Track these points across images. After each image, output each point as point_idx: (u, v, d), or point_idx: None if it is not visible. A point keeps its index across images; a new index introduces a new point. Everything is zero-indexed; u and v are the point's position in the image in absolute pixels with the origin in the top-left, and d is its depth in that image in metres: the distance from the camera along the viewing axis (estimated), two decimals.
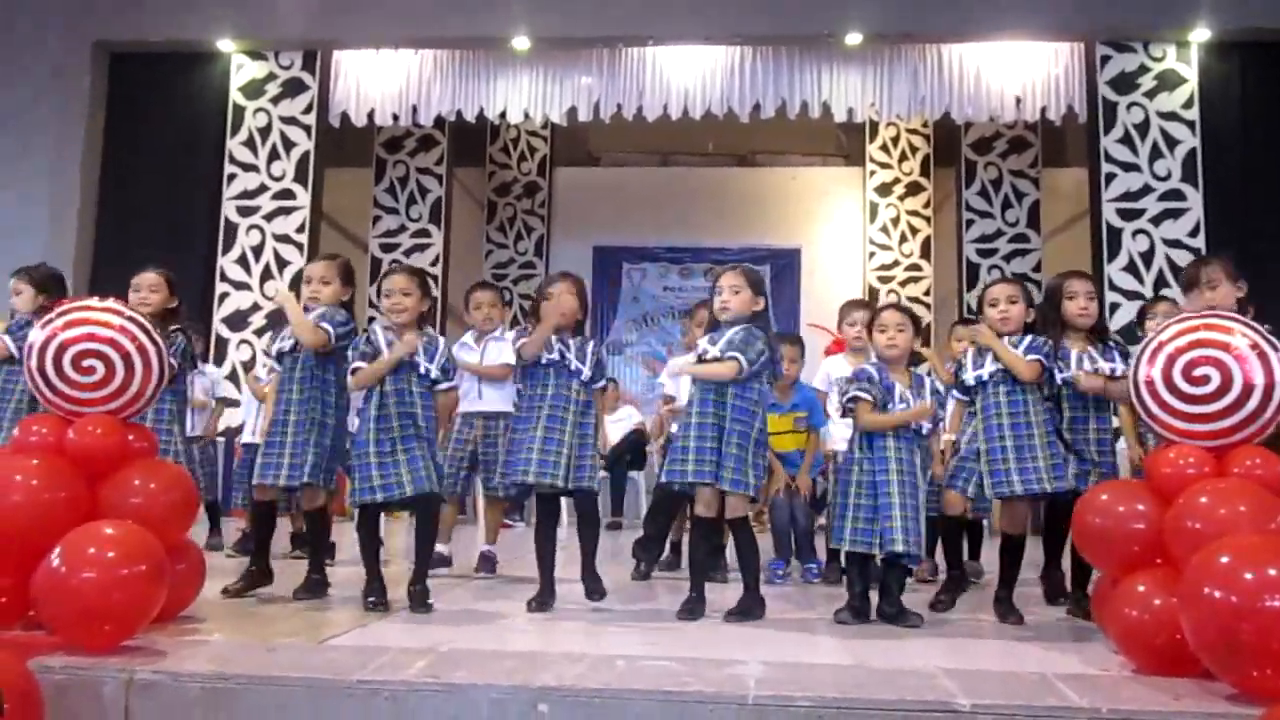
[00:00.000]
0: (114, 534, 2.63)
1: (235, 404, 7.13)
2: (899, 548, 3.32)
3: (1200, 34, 7.54)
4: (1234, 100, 7.59)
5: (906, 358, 3.58)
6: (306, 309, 3.77)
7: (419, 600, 3.44)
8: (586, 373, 3.60)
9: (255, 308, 7.99)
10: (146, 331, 2.98)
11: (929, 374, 3.79)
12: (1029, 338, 3.60)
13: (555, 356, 3.57)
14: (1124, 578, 2.71)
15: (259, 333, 7.76)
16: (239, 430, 7.45)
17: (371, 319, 9.84)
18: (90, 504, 2.82)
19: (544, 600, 3.56)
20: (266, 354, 3.85)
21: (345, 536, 5.10)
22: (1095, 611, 2.99)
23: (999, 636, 3.26)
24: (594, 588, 3.58)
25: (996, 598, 3.56)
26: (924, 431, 3.49)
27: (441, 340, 3.68)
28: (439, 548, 4.55)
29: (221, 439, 6.87)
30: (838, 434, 4.50)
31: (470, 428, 4.58)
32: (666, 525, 4.79)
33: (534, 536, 3.68)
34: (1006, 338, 3.59)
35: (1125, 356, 3.63)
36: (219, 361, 7.83)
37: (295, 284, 7.49)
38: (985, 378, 3.58)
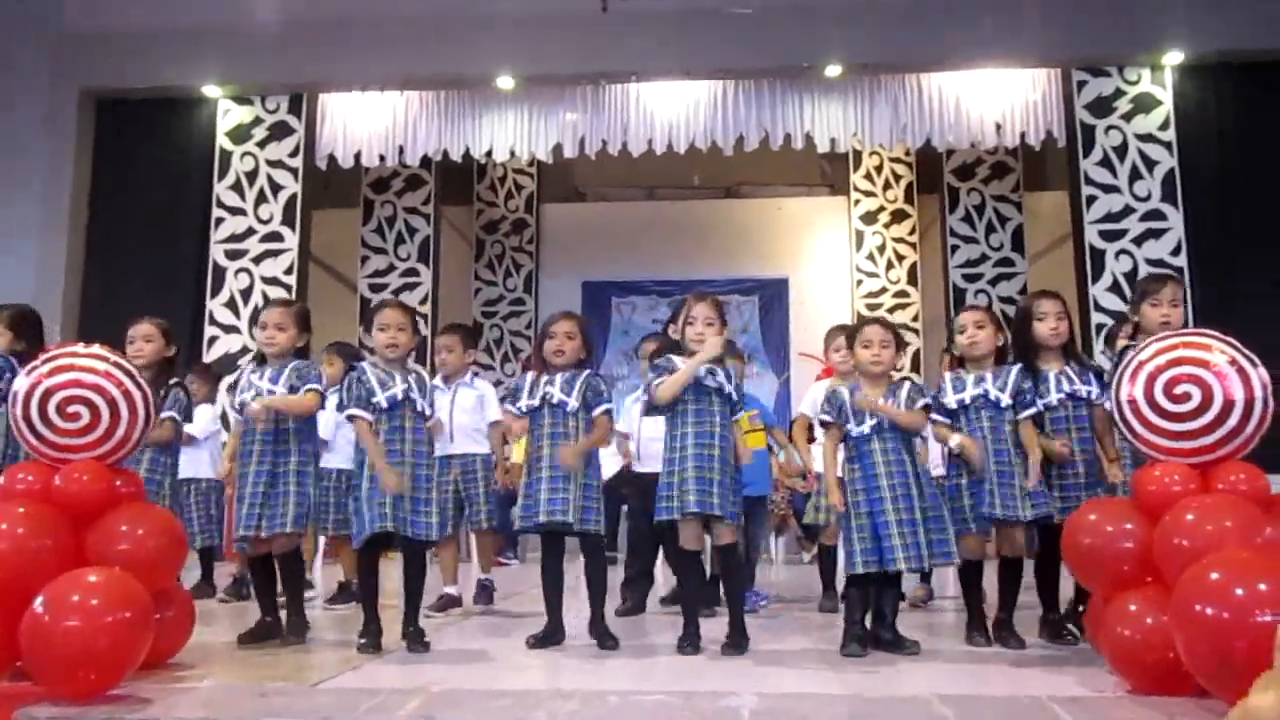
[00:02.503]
0: (97, 581, 2.61)
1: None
2: (899, 566, 3.31)
3: (1173, 57, 7.66)
4: (1209, 120, 7.70)
5: (889, 374, 3.58)
6: (263, 357, 3.77)
7: (415, 640, 3.44)
8: (572, 403, 3.57)
9: (244, 350, 7.98)
10: (132, 376, 2.98)
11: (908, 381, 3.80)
12: (1015, 370, 3.60)
13: (535, 402, 3.60)
14: (1115, 597, 2.71)
15: (232, 384, 7.75)
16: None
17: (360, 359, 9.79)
18: (78, 550, 2.81)
19: (548, 637, 3.56)
20: (233, 408, 3.82)
21: (329, 581, 5.09)
22: (1088, 631, 2.99)
23: (995, 661, 3.25)
24: (603, 640, 3.52)
25: (996, 621, 3.55)
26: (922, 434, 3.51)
27: (426, 375, 3.73)
28: (448, 589, 4.63)
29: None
30: (817, 453, 4.51)
31: (447, 469, 4.63)
32: (651, 560, 4.84)
33: (541, 575, 3.67)
34: (987, 366, 3.63)
35: (1099, 377, 3.64)
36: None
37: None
38: (966, 401, 3.60)
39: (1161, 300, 3.54)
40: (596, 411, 3.62)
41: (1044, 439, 3.59)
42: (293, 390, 3.64)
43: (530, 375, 3.70)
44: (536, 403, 3.61)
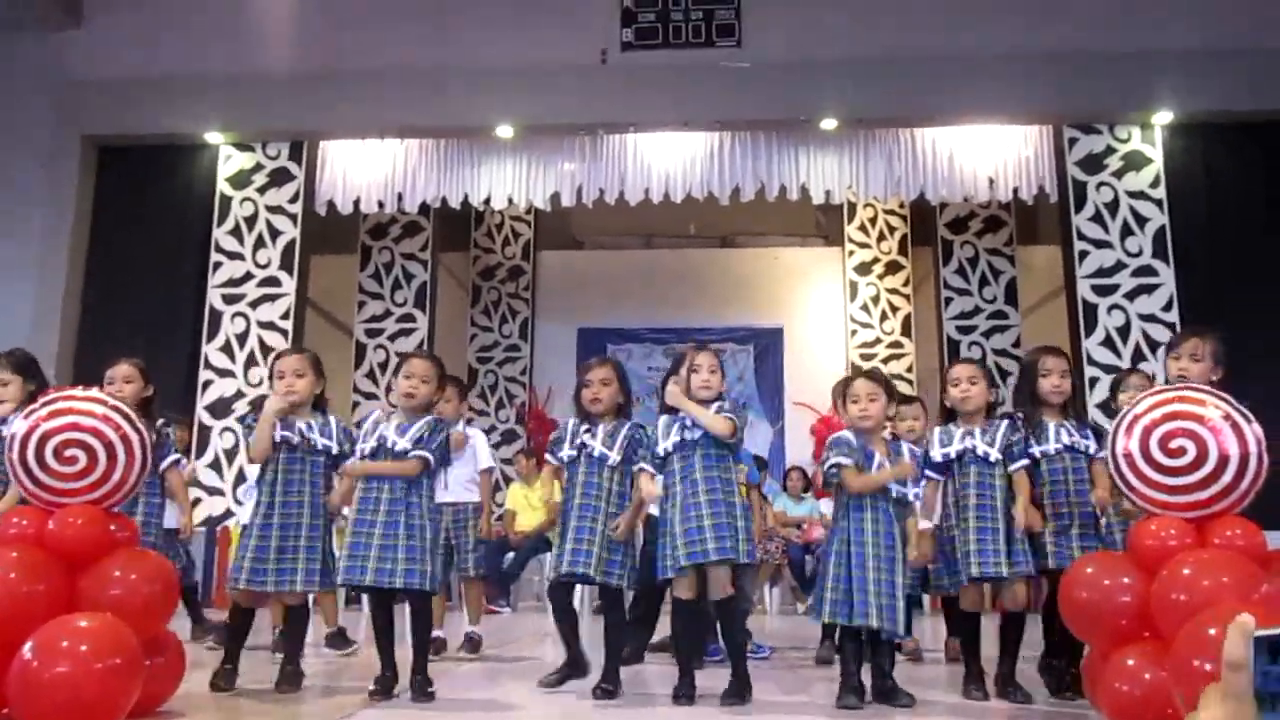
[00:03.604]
0: (87, 627, 2.59)
1: (220, 492, 7.09)
2: (873, 623, 3.27)
3: (1163, 116, 7.79)
4: (1198, 178, 7.82)
5: (880, 428, 3.56)
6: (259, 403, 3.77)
7: (419, 690, 3.40)
8: (614, 457, 3.55)
9: (239, 395, 7.97)
10: (130, 420, 2.98)
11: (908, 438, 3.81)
12: (1004, 425, 3.62)
13: (574, 453, 3.60)
14: (1113, 652, 2.70)
15: (242, 420, 7.73)
16: (221, 519, 7.38)
17: (356, 404, 9.83)
18: (70, 595, 2.78)
19: (567, 674, 3.56)
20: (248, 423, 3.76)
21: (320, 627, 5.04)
22: (1086, 686, 2.97)
23: (991, 715, 3.22)
24: (604, 686, 3.48)
25: (998, 675, 3.52)
26: (907, 499, 3.44)
27: (425, 420, 3.61)
28: (436, 633, 4.60)
29: (202, 528, 6.81)
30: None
31: (439, 515, 4.63)
32: (656, 607, 4.80)
33: (554, 618, 3.70)
34: (978, 420, 3.63)
35: (1099, 436, 3.65)
36: (202, 449, 7.79)
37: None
38: (953, 455, 3.61)
39: (1181, 354, 3.52)
40: (635, 468, 3.58)
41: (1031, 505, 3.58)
42: (342, 447, 3.64)
43: (571, 423, 3.67)
44: (574, 453, 3.60)
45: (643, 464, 3.55)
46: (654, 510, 3.78)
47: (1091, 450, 3.61)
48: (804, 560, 7.56)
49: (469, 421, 5.08)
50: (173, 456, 4.14)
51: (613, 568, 3.50)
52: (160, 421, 4.13)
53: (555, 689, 3.55)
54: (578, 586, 3.70)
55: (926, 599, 5.77)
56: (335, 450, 3.64)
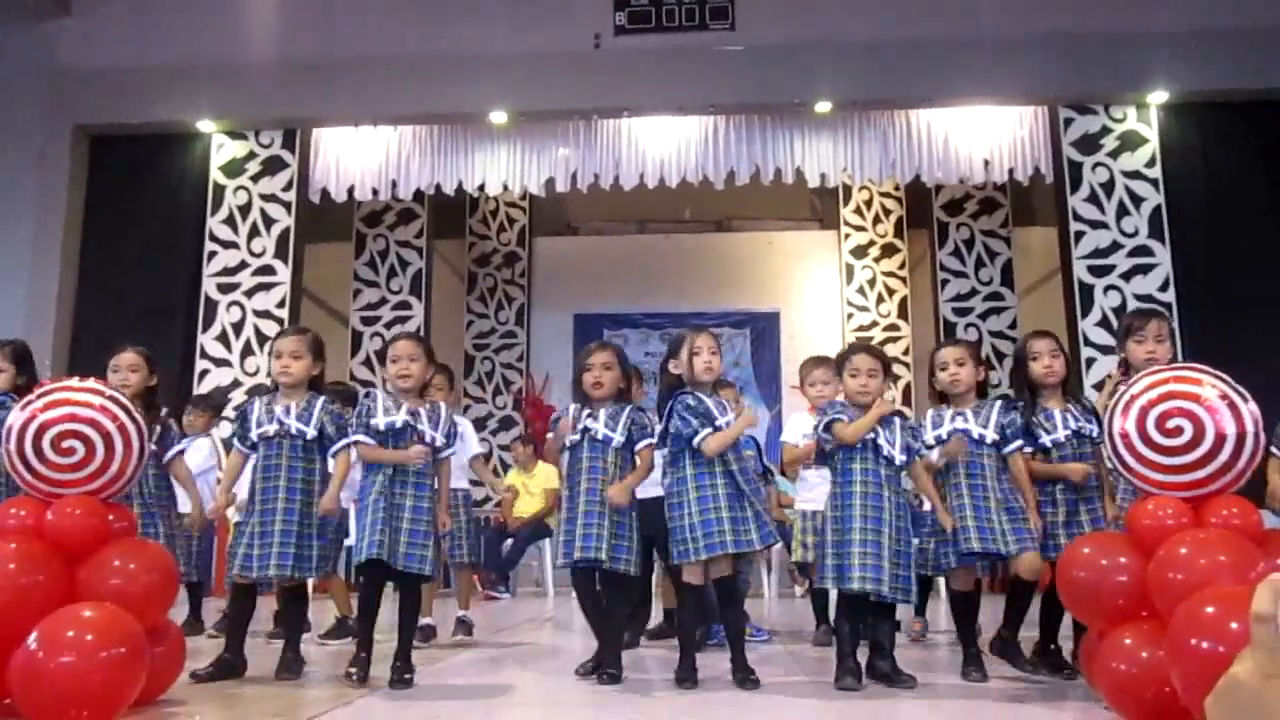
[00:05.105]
0: (92, 616, 2.59)
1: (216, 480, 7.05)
2: (854, 585, 3.25)
3: (1158, 96, 7.78)
4: (1195, 158, 7.81)
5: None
6: (276, 385, 3.75)
7: (397, 676, 3.38)
8: (617, 439, 3.55)
9: (235, 384, 7.97)
10: (127, 410, 2.97)
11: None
12: (996, 405, 3.61)
13: (576, 437, 3.59)
14: (1110, 631, 2.71)
15: (239, 409, 7.72)
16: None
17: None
18: (69, 586, 2.78)
19: (601, 665, 3.53)
20: (233, 440, 3.77)
21: (321, 615, 5.05)
22: (1084, 666, 2.98)
23: (992, 696, 3.24)
24: (607, 671, 3.48)
25: (999, 636, 3.54)
26: (896, 462, 3.41)
27: (444, 407, 3.65)
28: (426, 620, 4.62)
29: None
30: (811, 492, 4.53)
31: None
32: (646, 590, 4.83)
33: (580, 607, 3.73)
34: (969, 402, 3.63)
35: (1098, 418, 3.65)
36: None
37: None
38: (944, 437, 3.61)
39: (1146, 336, 3.52)
40: (640, 445, 3.58)
41: (1059, 464, 3.58)
42: (323, 432, 3.62)
43: (573, 408, 3.67)
44: (577, 437, 3.59)
45: (649, 441, 3.57)
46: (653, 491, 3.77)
47: (1095, 435, 3.60)
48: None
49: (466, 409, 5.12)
50: (177, 447, 4.13)
51: (620, 553, 3.48)
52: (164, 411, 4.12)
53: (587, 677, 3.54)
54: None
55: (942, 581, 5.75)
56: (310, 435, 3.60)
